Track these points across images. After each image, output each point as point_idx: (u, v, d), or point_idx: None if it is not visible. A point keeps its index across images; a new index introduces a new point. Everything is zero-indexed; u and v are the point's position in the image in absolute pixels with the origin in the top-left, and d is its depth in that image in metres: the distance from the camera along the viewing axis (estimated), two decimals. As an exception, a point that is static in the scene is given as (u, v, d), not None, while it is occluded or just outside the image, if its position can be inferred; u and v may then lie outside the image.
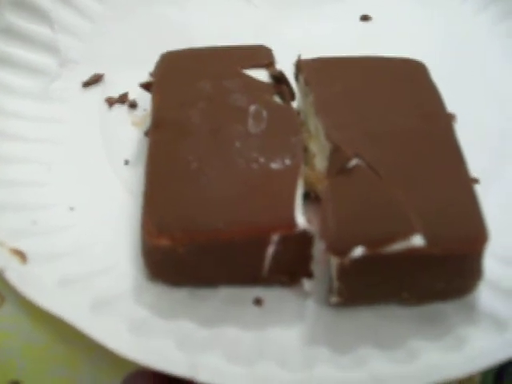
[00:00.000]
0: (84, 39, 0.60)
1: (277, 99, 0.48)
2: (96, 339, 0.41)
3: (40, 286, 0.44)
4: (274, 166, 0.44)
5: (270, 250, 0.42)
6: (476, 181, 0.48)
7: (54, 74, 0.57)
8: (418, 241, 0.41)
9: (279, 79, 0.49)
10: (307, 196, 0.46)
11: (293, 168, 0.44)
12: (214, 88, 0.49)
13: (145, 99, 0.53)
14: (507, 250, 0.46)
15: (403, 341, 0.42)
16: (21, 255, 0.45)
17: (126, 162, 0.52)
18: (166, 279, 0.44)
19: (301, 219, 0.42)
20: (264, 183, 0.44)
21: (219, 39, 0.54)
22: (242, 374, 0.41)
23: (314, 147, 0.48)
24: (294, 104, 0.50)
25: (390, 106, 0.47)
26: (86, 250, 0.46)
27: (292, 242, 0.42)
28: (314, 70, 0.50)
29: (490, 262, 0.43)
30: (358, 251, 0.40)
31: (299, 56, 0.51)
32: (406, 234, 0.41)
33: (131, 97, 0.55)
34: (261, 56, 0.51)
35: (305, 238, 0.42)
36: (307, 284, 0.45)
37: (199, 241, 0.42)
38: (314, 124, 0.48)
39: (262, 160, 0.45)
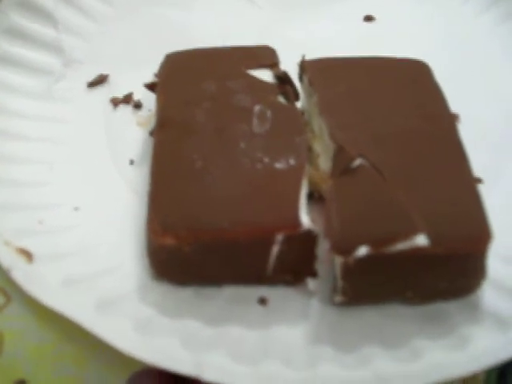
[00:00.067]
0: (88, 39, 0.60)
1: (281, 99, 0.48)
2: (101, 338, 0.41)
3: (46, 286, 0.44)
4: (279, 165, 0.44)
5: (275, 250, 0.43)
6: (479, 180, 0.48)
7: (58, 74, 0.57)
8: (421, 240, 0.41)
9: (283, 79, 0.49)
10: (311, 196, 0.46)
11: (297, 168, 0.44)
12: (219, 88, 0.49)
13: (149, 99, 0.53)
14: (511, 250, 0.46)
15: (407, 340, 0.42)
16: (27, 255, 0.45)
17: (131, 162, 0.52)
18: (171, 278, 0.44)
19: (305, 219, 0.42)
20: (268, 183, 0.44)
21: (223, 40, 0.54)
22: (247, 372, 0.41)
23: (318, 147, 0.48)
24: (298, 104, 0.50)
25: (393, 107, 0.48)
26: (91, 250, 0.46)
27: (296, 241, 0.42)
28: (317, 70, 0.50)
29: (494, 262, 0.43)
30: (362, 251, 0.40)
31: (303, 56, 0.51)
32: (410, 233, 0.41)
33: (136, 97, 0.56)
34: (265, 56, 0.51)
35: (309, 238, 0.42)
36: (311, 283, 0.45)
37: (204, 240, 0.42)
38: (318, 124, 0.48)
39: (266, 160, 0.45)
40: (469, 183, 0.44)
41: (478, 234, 0.42)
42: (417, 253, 0.41)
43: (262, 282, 0.45)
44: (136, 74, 0.55)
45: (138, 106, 0.55)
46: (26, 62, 0.57)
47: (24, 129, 0.53)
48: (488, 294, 0.44)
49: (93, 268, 0.45)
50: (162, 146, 0.47)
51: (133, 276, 0.45)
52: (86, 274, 0.45)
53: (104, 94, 0.56)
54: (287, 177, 0.44)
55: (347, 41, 0.59)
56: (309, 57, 0.51)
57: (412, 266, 0.42)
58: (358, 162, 0.44)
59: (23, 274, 0.44)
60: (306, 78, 0.50)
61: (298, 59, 0.51)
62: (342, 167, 0.44)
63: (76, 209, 0.49)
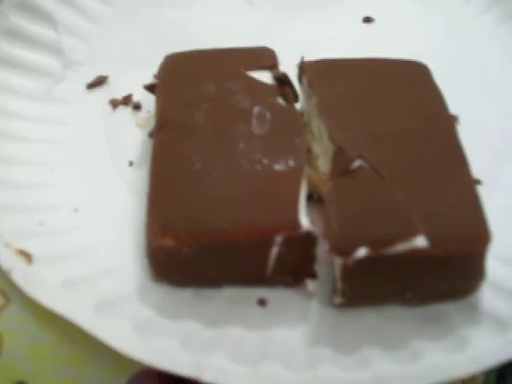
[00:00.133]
0: (88, 41, 0.60)
1: (280, 101, 0.48)
2: (101, 339, 0.42)
3: (45, 287, 0.44)
4: (278, 167, 0.44)
5: (274, 251, 0.43)
6: (478, 182, 0.48)
7: (58, 76, 0.57)
8: (420, 242, 0.41)
9: (282, 81, 0.49)
10: (310, 197, 0.46)
11: (296, 169, 0.44)
12: (218, 89, 0.49)
13: (149, 101, 0.53)
14: (510, 251, 0.46)
15: (406, 341, 0.42)
16: (27, 256, 0.45)
17: (131, 164, 0.52)
18: (170, 280, 0.45)
19: (304, 220, 0.42)
20: (267, 184, 0.44)
21: (222, 41, 0.54)
22: (246, 374, 0.41)
23: (317, 149, 0.48)
24: (298, 106, 0.50)
25: (392, 108, 0.48)
26: (90, 251, 0.46)
27: (296, 242, 0.42)
28: (317, 71, 0.50)
29: (493, 263, 0.43)
30: (362, 252, 0.41)
31: (302, 58, 0.51)
32: (409, 234, 0.41)
33: (135, 98, 0.56)
34: (264, 58, 0.51)
35: (308, 239, 0.42)
36: (311, 285, 0.45)
37: (203, 241, 0.43)
38: (318, 125, 0.48)
39: (265, 161, 0.45)
40: (468, 184, 0.44)
41: (477, 236, 0.42)
42: (416, 254, 0.41)
43: (262, 284, 0.45)
44: (135, 76, 0.55)
45: (137, 107, 0.55)
46: (25, 63, 0.57)
47: (24, 130, 0.53)
48: (487, 295, 0.44)
49: (92, 269, 0.45)
50: (162, 148, 0.47)
51: (132, 277, 0.45)
52: (85, 276, 0.45)
53: (103, 95, 0.56)
54: (286, 178, 0.44)
55: (346, 42, 0.59)
56: (308, 58, 0.51)
57: (411, 267, 0.42)
58: (357, 163, 0.44)
59: (23, 276, 0.44)
60: (305, 80, 0.50)
61: (297, 60, 0.51)
62: (341, 168, 0.44)
63: (75, 210, 0.49)
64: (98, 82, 0.57)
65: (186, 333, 0.42)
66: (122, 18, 0.62)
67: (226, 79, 0.49)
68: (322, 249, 0.43)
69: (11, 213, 0.48)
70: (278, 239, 0.42)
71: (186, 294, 0.44)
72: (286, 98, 0.48)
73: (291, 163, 0.45)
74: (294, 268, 0.44)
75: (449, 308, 0.44)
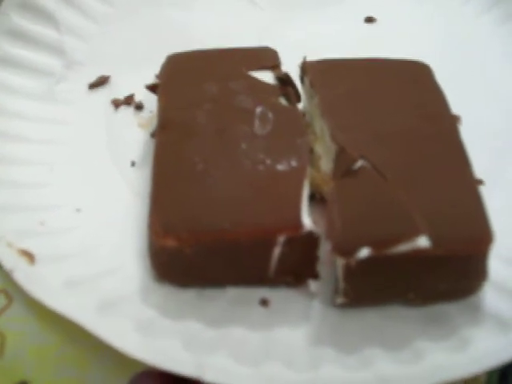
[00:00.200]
0: (89, 41, 0.60)
1: (282, 101, 0.48)
2: (103, 339, 0.42)
3: (47, 287, 0.44)
4: (280, 167, 0.44)
5: (276, 251, 0.43)
6: (480, 182, 0.48)
7: (60, 76, 0.57)
8: (423, 242, 0.41)
9: (285, 81, 0.49)
10: (313, 197, 0.46)
11: (299, 169, 0.44)
12: (220, 90, 0.49)
13: (151, 101, 0.53)
14: (512, 251, 0.46)
15: (408, 341, 0.42)
16: (29, 256, 0.45)
17: (132, 164, 0.52)
18: (172, 280, 0.44)
19: (307, 220, 0.42)
20: (270, 184, 0.44)
21: (224, 41, 0.54)
22: (249, 374, 0.41)
23: (319, 149, 0.48)
24: (300, 106, 0.50)
25: (395, 108, 0.48)
26: (92, 251, 0.46)
27: (298, 243, 0.42)
28: (319, 71, 0.50)
29: (495, 263, 0.43)
30: (364, 252, 0.41)
31: (304, 58, 0.51)
32: (412, 235, 0.41)
33: (137, 98, 0.56)
34: (266, 58, 0.51)
35: (311, 239, 0.42)
36: (313, 285, 0.45)
37: (205, 241, 0.42)
38: (320, 126, 0.48)
39: (267, 161, 0.45)
40: (470, 184, 0.44)
41: (480, 236, 0.42)
42: (418, 254, 0.41)
43: (264, 284, 0.45)
44: (137, 75, 0.55)
45: (139, 107, 0.55)
46: (27, 63, 0.57)
47: (25, 130, 0.53)
48: (489, 295, 0.44)
49: (94, 269, 0.45)
50: (164, 148, 0.47)
51: (134, 277, 0.45)
52: (87, 276, 0.45)
53: (105, 95, 0.56)
54: (289, 178, 0.44)
55: (348, 42, 0.59)
56: (310, 58, 0.51)
57: (413, 267, 0.42)
58: (359, 163, 0.44)
59: (25, 276, 0.44)
60: (307, 80, 0.50)
61: (299, 60, 0.51)
62: (343, 169, 0.44)
63: (77, 210, 0.49)
64: (100, 82, 0.57)
65: (188, 333, 0.42)
66: (123, 17, 0.62)
67: (228, 79, 0.49)
68: (325, 249, 0.43)
69: (13, 213, 0.48)
70: (281, 239, 0.42)
71: (188, 295, 0.44)
72: (288, 98, 0.48)
73: (293, 163, 0.45)
74: (297, 268, 0.44)
75: (451, 308, 0.44)
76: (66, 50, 0.58)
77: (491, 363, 0.41)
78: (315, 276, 0.44)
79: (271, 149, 0.45)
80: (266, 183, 0.44)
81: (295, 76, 0.51)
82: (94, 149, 0.53)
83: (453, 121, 0.48)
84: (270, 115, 0.47)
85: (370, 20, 0.62)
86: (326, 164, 0.47)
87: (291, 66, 0.51)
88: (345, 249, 0.41)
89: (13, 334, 0.45)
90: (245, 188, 0.44)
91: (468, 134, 0.47)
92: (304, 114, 0.51)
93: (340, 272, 0.42)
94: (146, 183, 0.47)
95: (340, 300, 0.43)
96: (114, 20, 0.61)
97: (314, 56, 0.51)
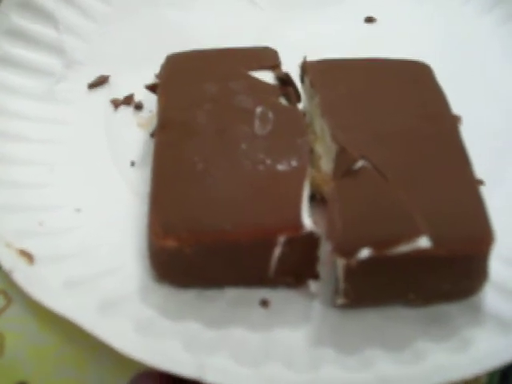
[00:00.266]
0: (89, 40, 0.60)
1: (282, 101, 0.48)
2: (103, 340, 0.41)
3: (47, 287, 0.44)
4: (281, 167, 0.44)
5: (277, 252, 0.42)
6: (481, 182, 0.48)
7: (59, 75, 0.57)
8: (424, 242, 0.41)
9: (285, 81, 0.49)
10: (313, 198, 0.46)
11: (299, 170, 0.44)
12: (220, 90, 0.49)
13: (150, 101, 0.53)
14: (513, 252, 0.46)
15: (409, 342, 0.42)
16: (28, 256, 0.45)
17: (132, 164, 0.52)
18: (172, 280, 0.44)
19: (307, 221, 0.42)
20: (270, 185, 0.44)
21: (224, 41, 0.54)
22: (249, 374, 0.41)
23: (319, 149, 0.48)
24: (300, 106, 0.50)
25: (395, 108, 0.48)
26: (92, 252, 0.46)
27: (298, 243, 0.42)
28: (319, 71, 0.50)
29: (496, 264, 0.43)
30: (365, 253, 0.40)
31: (305, 58, 0.51)
32: (413, 235, 0.41)
33: (137, 98, 0.56)
34: (266, 58, 0.51)
35: (311, 240, 0.42)
36: (313, 285, 0.45)
37: (205, 242, 0.42)
38: (320, 126, 0.48)
39: (268, 161, 0.45)
40: (471, 185, 0.44)
41: (481, 236, 0.42)
42: (419, 255, 0.41)
43: (264, 284, 0.44)
44: (137, 75, 0.55)
45: (138, 107, 0.55)
46: (26, 63, 0.56)
47: (25, 130, 0.53)
48: (490, 296, 0.44)
49: (94, 269, 0.45)
50: (163, 148, 0.46)
51: (134, 278, 0.45)
52: (87, 276, 0.45)
53: (105, 95, 0.56)
54: (289, 178, 0.44)
55: (348, 42, 0.59)
56: (310, 58, 0.51)
57: (414, 267, 0.42)
58: (360, 163, 0.44)
59: (24, 276, 0.44)
60: (307, 80, 0.50)
61: (299, 60, 0.51)
62: (344, 169, 0.44)
63: (77, 210, 0.49)
64: (100, 82, 0.57)
65: (188, 333, 0.42)
66: (122, 17, 0.62)
67: (228, 79, 0.49)
68: (325, 249, 0.43)
69: (12, 213, 0.48)
70: (281, 240, 0.42)
71: (187, 295, 0.44)
72: (288, 98, 0.48)
73: (294, 163, 0.45)
74: (297, 269, 0.44)
75: (452, 309, 0.43)
76: (65, 49, 0.58)
77: (492, 364, 0.41)
78: (315, 276, 0.44)
79: (271, 149, 0.45)
80: (266, 183, 0.44)
81: (295, 76, 0.51)
82: (94, 149, 0.53)
83: (453, 121, 0.48)
84: (270, 115, 0.47)
85: (370, 20, 0.62)
86: (326, 164, 0.47)
87: (291, 66, 0.51)
88: (345, 249, 0.41)
89: (12, 335, 0.45)
90: (245, 188, 0.44)
91: (468, 134, 0.47)
92: (304, 114, 0.50)
93: (340, 272, 0.42)
94: (145, 183, 0.47)
95: (340, 301, 0.43)
96: (114, 20, 0.61)
97: (313, 56, 0.51)
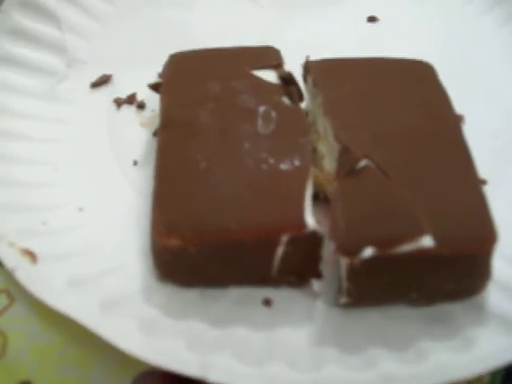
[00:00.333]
0: (91, 39, 0.60)
1: (285, 100, 0.48)
2: (106, 339, 0.41)
3: (50, 286, 0.44)
4: (284, 166, 0.44)
5: (280, 251, 0.42)
6: (484, 182, 0.48)
7: (62, 75, 0.57)
8: (427, 241, 0.41)
9: (288, 80, 0.49)
10: (316, 197, 0.46)
11: (302, 169, 0.44)
12: (223, 89, 0.49)
13: (153, 100, 0.53)
14: (516, 251, 0.46)
15: (412, 341, 0.42)
16: (31, 255, 0.45)
17: (135, 163, 0.52)
18: (175, 279, 0.44)
19: (310, 220, 0.42)
20: (273, 184, 0.44)
21: (226, 40, 0.54)
22: (252, 373, 0.41)
23: (322, 148, 0.48)
24: (303, 105, 0.50)
25: (398, 107, 0.48)
26: (95, 251, 0.46)
27: (301, 242, 0.42)
28: (322, 71, 0.50)
29: (499, 263, 0.43)
30: (368, 252, 0.40)
31: (307, 57, 0.51)
32: (416, 234, 0.41)
33: (139, 97, 0.56)
34: (269, 57, 0.51)
35: (314, 239, 0.42)
36: (316, 284, 0.45)
37: (209, 241, 0.42)
38: (323, 125, 0.48)
39: (271, 161, 0.45)
40: (474, 184, 0.44)
41: (484, 235, 0.42)
42: (422, 254, 0.41)
43: (267, 284, 0.44)
44: (139, 74, 0.55)
45: (141, 106, 0.55)
46: (29, 62, 0.56)
47: (27, 129, 0.53)
48: (493, 295, 0.44)
49: (97, 268, 0.45)
50: (166, 147, 0.46)
51: (137, 277, 0.45)
52: (90, 275, 0.45)
53: (107, 94, 0.56)
54: (292, 178, 0.44)
55: (351, 41, 0.59)
56: (312, 57, 0.51)
57: (417, 267, 0.42)
58: (363, 162, 0.44)
59: (27, 275, 0.44)
60: (310, 79, 0.50)
61: (301, 60, 0.51)
62: (347, 168, 0.44)
63: (80, 209, 0.49)
64: (102, 81, 0.57)
65: (192, 333, 0.42)
66: (125, 16, 0.62)
67: (230, 78, 0.49)
68: (328, 249, 0.43)
69: (15, 212, 0.48)
70: (284, 239, 0.42)
71: (191, 294, 0.44)
72: (291, 98, 0.48)
73: (297, 163, 0.45)
74: (300, 268, 0.44)
75: (455, 308, 0.44)
76: (67, 48, 0.58)
77: (495, 363, 0.41)
78: (318, 276, 0.44)
79: (274, 148, 0.45)
80: (269, 182, 0.44)
81: (298, 75, 0.51)
82: (96, 148, 0.53)
83: (456, 120, 0.48)
84: (273, 114, 0.47)
85: (372, 19, 0.62)
86: (329, 163, 0.47)
87: (293, 66, 0.51)
88: (348, 248, 0.41)
89: (15, 334, 0.45)
90: (248, 187, 0.44)
91: (469, 133, 0.47)
92: (307, 114, 0.50)
93: (343, 272, 0.42)
94: (148, 182, 0.47)
95: (343, 300, 0.43)
96: (116, 19, 0.61)
97: (316, 55, 0.51)
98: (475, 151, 0.46)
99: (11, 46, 0.56)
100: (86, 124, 0.54)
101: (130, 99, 0.55)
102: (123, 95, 0.56)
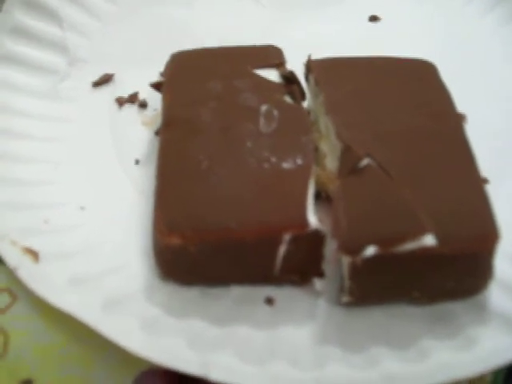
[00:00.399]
0: (93, 38, 0.60)
1: (287, 99, 0.48)
2: (108, 337, 0.41)
3: (52, 285, 0.44)
4: (286, 165, 0.44)
5: (282, 250, 0.42)
6: (486, 180, 0.48)
7: (63, 73, 0.57)
8: (429, 240, 0.41)
9: (290, 79, 0.49)
10: (318, 196, 0.46)
11: (304, 167, 0.44)
12: (225, 88, 0.49)
13: (155, 99, 0.53)
14: (518, 250, 0.46)
15: (414, 340, 0.42)
16: (33, 254, 0.45)
17: (137, 162, 0.52)
18: (177, 278, 0.44)
19: (312, 219, 0.42)
20: (275, 183, 0.44)
21: (227, 39, 0.54)
22: (254, 372, 0.41)
23: (324, 147, 0.48)
24: (305, 104, 0.50)
25: (399, 106, 0.48)
26: (96, 249, 0.46)
27: (303, 241, 0.42)
28: (324, 70, 0.50)
29: (501, 262, 0.43)
30: (370, 250, 0.40)
31: (309, 56, 0.51)
32: (418, 233, 0.41)
33: (141, 96, 0.56)
34: (271, 56, 0.51)
35: (316, 238, 0.42)
36: (318, 283, 0.45)
37: (210, 240, 0.42)
38: (325, 124, 0.48)
39: (273, 159, 0.45)
40: (476, 183, 0.44)
41: (486, 234, 0.42)
42: (424, 252, 0.41)
43: (269, 282, 0.44)
44: (141, 73, 0.55)
45: (143, 105, 0.55)
46: (30, 61, 0.56)
47: (29, 128, 0.53)
48: (495, 294, 0.44)
49: (99, 267, 0.45)
50: (168, 146, 0.46)
51: (139, 275, 0.45)
52: (92, 273, 0.45)
53: (109, 93, 0.56)
54: (294, 176, 0.44)
55: (352, 40, 0.59)
56: (314, 56, 0.51)
57: (419, 265, 0.42)
58: (365, 161, 0.44)
59: (29, 274, 0.44)
60: (312, 78, 0.50)
61: (303, 59, 0.51)
62: (349, 167, 0.44)
63: (81, 208, 0.49)
64: (104, 80, 0.57)
65: (193, 331, 0.42)
66: (126, 15, 0.62)
67: (232, 77, 0.49)
68: (330, 247, 0.43)
69: (17, 210, 0.48)
70: (286, 237, 0.42)
71: (192, 293, 0.44)
72: (293, 96, 0.48)
73: (299, 161, 0.45)
74: (302, 267, 0.44)
75: (457, 307, 0.44)
76: (69, 47, 0.58)
77: (497, 362, 0.41)
78: (320, 274, 0.44)
79: (276, 147, 0.45)
80: (272, 181, 0.44)
81: (300, 74, 0.51)
82: (98, 147, 0.53)
83: (458, 119, 0.48)
84: (275, 113, 0.47)
85: (374, 19, 0.62)
86: (331, 162, 0.47)
87: (295, 64, 0.51)
88: (351, 247, 0.41)
89: (17, 333, 0.45)
90: (250, 186, 0.44)
91: (470, 133, 0.47)
92: (309, 112, 0.50)
93: (346, 270, 0.42)
94: (150, 181, 0.47)
95: (345, 298, 0.43)
96: (118, 18, 0.61)
97: (317, 54, 0.51)
98: (476, 151, 0.46)
99: (13, 44, 0.56)
100: (87, 123, 0.54)
101: (132, 98, 0.55)
102: (125, 94, 0.56)
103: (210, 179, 0.44)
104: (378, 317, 0.43)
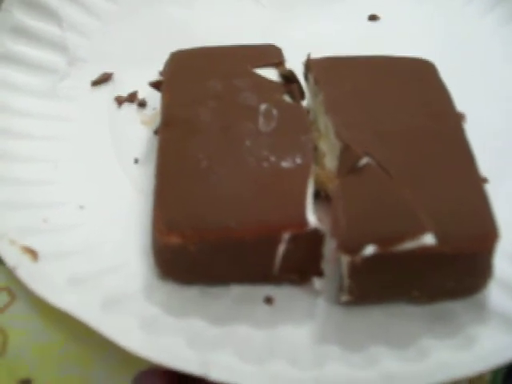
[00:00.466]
0: (92, 38, 0.60)
1: (287, 98, 0.48)
2: (107, 337, 0.41)
3: (51, 284, 0.44)
4: (285, 164, 0.44)
5: (281, 249, 0.42)
6: (486, 180, 0.48)
7: (63, 73, 0.57)
8: (428, 239, 0.41)
9: (289, 78, 0.49)
10: (318, 195, 0.46)
11: (303, 167, 0.44)
12: (224, 87, 0.49)
13: (154, 98, 0.53)
14: (517, 249, 0.46)
15: (413, 339, 0.42)
16: (32, 253, 0.45)
17: (136, 161, 0.52)
18: (176, 277, 0.44)
19: (312, 218, 0.42)
20: (274, 182, 0.44)
21: (227, 38, 0.54)
22: (253, 371, 0.41)
23: (323, 146, 0.48)
24: (304, 103, 0.50)
25: (399, 105, 0.47)
26: (96, 249, 0.46)
27: (303, 240, 0.42)
28: (323, 69, 0.50)
29: (501, 261, 0.43)
30: (369, 250, 0.40)
31: (309, 55, 0.51)
32: (417, 232, 0.41)
33: (140, 96, 0.56)
34: (271, 55, 0.51)
35: (316, 237, 0.42)
36: (318, 282, 0.45)
37: (209, 239, 0.42)
38: (324, 123, 0.48)
39: (272, 158, 0.45)
40: (475, 182, 0.44)
41: (485, 233, 0.42)
42: (424, 252, 0.41)
43: (268, 282, 0.44)
44: (140, 73, 0.55)
45: (142, 104, 0.55)
46: (30, 60, 0.56)
47: (28, 127, 0.53)
48: (495, 293, 0.44)
49: (98, 266, 0.45)
50: (167, 145, 0.46)
51: (138, 275, 0.45)
52: (91, 273, 0.45)
53: (108, 92, 0.56)
54: (293, 176, 0.44)
55: (352, 39, 0.59)
56: (313, 55, 0.51)
57: (419, 265, 0.42)
58: (364, 160, 0.44)
59: (28, 273, 0.44)
60: (311, 77, 0.50)
61: (302, 58, 0.51)
62: (348, 166, 0.44)
63: (81, 207, 0.49)
64: (103, 79, 0.57)
65: (193, 331, 0.42)
66: (126, 14, 0.62)
67: (232, 76, 0.49)
68: (329, 246, 0.43)
69: (16, 210, 0.48)
70: (285, 236, 0.42)
71: (192, 292, 0.44)
72: (292, 96, 0.48)
73: (298, 160, 0.44)
74: (301, 266, 0.44)
75: (456, 306, 0.43)
76: (68, 46, 0.58)
77: (497, 361, 0.41)
78: (320, 274, 0.44)
79: (275, 146, 0.45)
80: (271, 180, 0.44)
81: (299, 73, 0.51)
82: (98, 146, 0.52)
83: (458, 119, 0.48)
84: (275, 112, 0.47)
85: (373, 18, 0.62)
86: (330, 161, 0.47)
87: (295, 64, 0.51)
88: (350, 246, 0.41)
89: (16, 332, 0.45)
90: (249, 185, 0.44)
91: (470, 133, 0.47)
92: (308, 112, 0.50)
93: (345, 270, 0.42)
94: (149, 180, 0.47)
95: (345, 298, 0.43)
96: (118, 17, 0.61)
97: (317, 53, 0.51)
98: (476, 150, 0.46)
99: (12, 43, 0.56)
100: (86, 122, 0.54)
101: (131, 97, 0.55)
102: (124, 93, 0.56)
103: (209, 178, 0.44)
104: (377, 316, 0.43)
